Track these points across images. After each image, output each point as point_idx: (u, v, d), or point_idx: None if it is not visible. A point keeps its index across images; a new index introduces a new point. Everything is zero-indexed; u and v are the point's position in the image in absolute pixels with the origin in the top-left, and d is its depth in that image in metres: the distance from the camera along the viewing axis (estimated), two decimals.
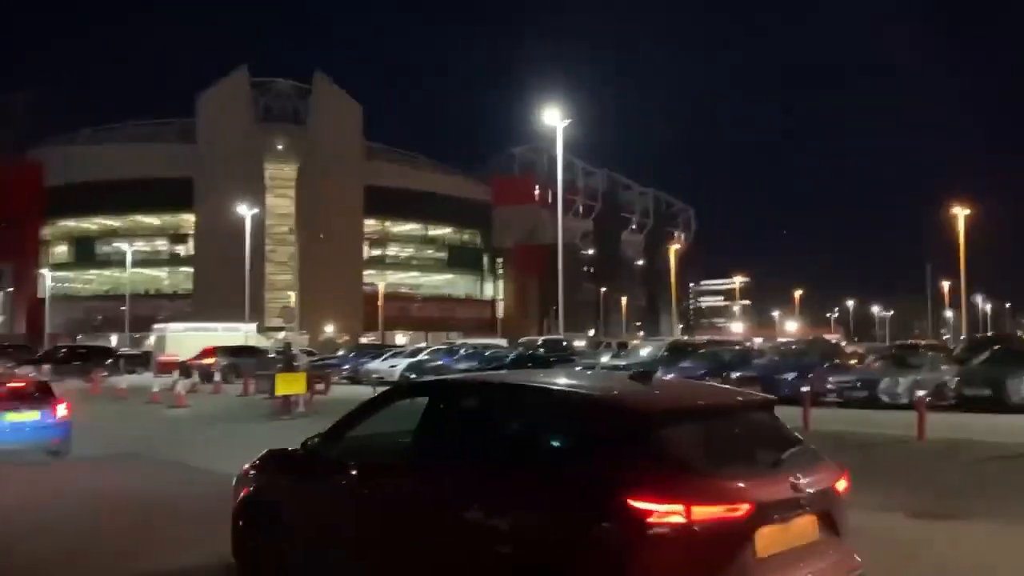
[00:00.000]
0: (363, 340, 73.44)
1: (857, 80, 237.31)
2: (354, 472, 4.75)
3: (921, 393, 11.94)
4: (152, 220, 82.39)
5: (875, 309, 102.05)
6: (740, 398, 4.67)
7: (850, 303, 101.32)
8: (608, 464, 3.72)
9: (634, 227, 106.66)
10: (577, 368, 21.01)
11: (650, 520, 3.45)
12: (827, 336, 67.31)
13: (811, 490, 3.87)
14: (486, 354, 25.46)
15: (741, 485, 3.67)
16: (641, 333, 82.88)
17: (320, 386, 19.45)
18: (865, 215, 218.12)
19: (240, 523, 5.42)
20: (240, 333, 48.44)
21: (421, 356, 28.07)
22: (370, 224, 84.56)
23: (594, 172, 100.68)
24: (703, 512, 3.50)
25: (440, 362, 26.04)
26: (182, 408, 19.88)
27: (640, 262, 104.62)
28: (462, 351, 27.29)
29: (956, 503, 7.93)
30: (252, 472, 5.62)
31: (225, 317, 53.76)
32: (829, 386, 16.60)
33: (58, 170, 79.07)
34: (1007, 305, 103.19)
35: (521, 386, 4.77)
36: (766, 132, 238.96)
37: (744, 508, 3.58)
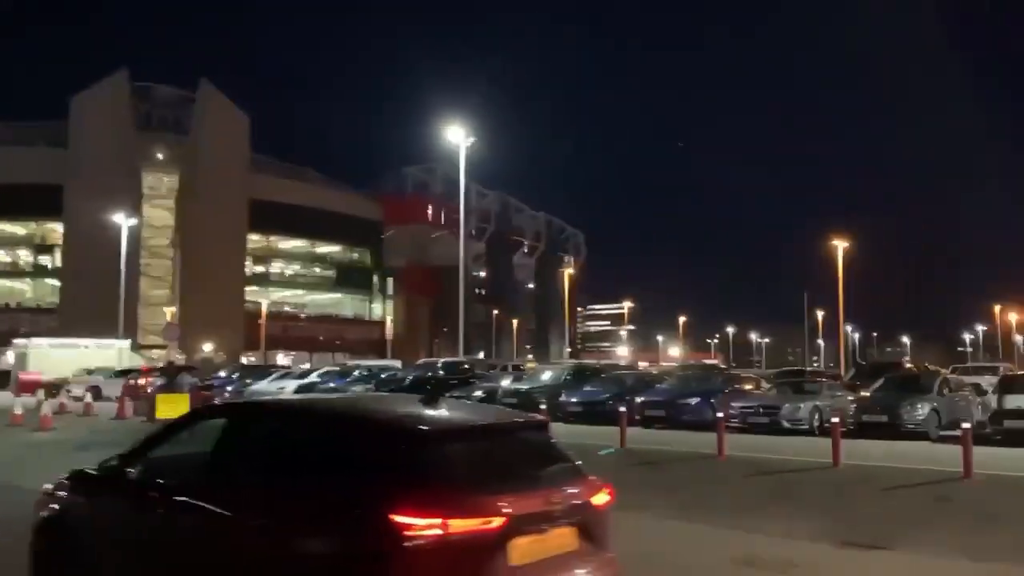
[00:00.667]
0: (243, 360, 70.60)
1: (743, 112, 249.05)
2: (152, 492, 4.86)
3: (835, 420, 12.08)
4: (15, 229, 76.66)
5: (753, 336, 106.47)
6: (517, 419, 4.92)
7: (730, 330, 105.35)
8: (377, 481, 3.98)
9: (525, 250, 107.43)
10: (392, 393, 20.58)
11: (409, 533, 3.74)
12: (707, 361, 69.64)
13: (568, 503, 4.24)
14: (382, 376, 24.52)
15: (497, 499, 3.98)
16: (530, 356, 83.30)
17: None
18: (748, 246, 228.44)
19: (37, 546, 5.42)
20: (113, 350, 45.55)
21: (312, 378, 26.81)
22: (254, 240, 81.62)
23: (487, 194, 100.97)
24: (459, 525, 3.82)
25: (332, 384, 24.92)
26: (47, 431, 18.16)
27: (531, 285, 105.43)
28: (355, 373, 26.22)
29: (880, 531, 8.01)
30: (52, 493, 5.60)
31: (94, 333, 50.37)
32: (731, 411, 16.74)
33: None
34: (874, 334, 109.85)
35: (304, 408, 5.30)
36: (658, 160, 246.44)
37: (498, 521, 3.90)
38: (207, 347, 69.66)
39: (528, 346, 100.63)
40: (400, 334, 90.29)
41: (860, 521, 8.51)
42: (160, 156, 77.00)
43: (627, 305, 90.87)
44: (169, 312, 70.75)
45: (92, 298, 66.96)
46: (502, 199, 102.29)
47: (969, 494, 9.99)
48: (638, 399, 18.44)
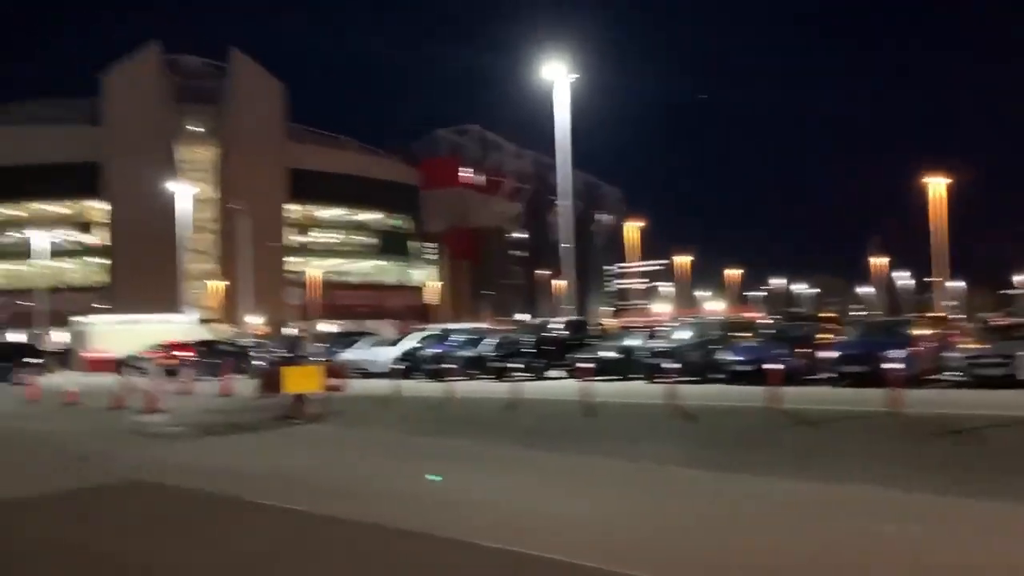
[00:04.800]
0: (285, 330, 70.21)
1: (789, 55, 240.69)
2: None
3: None
4: (56, 208, 76.27)
5: (795, 287, 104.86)
6: None
7: (777, 281, 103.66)
8: None
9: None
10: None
11: None
12: (747, 315, 68.02)
13: None
14: (502, 339, 23.26)
15: None
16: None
17: (337, 381, 17.11)
18: (790, 192, 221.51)
19: None
20: (177, 325, 45.21)
21: (411, 344, 25.93)
22: (294, 209, 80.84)
23: (523, 154, 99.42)
24: None
25: (436, 350, 24.03)
26: (158, 414, 16.88)
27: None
28: (458, 337, 25.27)
29: None
30: None
31: (143, 309, 50.04)
32: (952, 363, 15.34)
33: None
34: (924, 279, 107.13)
35: None
36: (694, 111, 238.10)
37: None
38: (251, 319, 69.29)
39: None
40: (442, 299, 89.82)
41: None
42: (195, 128, 76.11)
43: (679, 260, 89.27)
44: (214, 285, 70.73)
45: (139, 274, 66.76)
46: (537, 158, 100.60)
47: None
48: (828, 353, 16.68)
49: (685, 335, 19.38)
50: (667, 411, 13.11)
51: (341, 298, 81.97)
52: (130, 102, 71.09)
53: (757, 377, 15.30)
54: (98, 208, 74.70)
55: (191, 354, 29.97)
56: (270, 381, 17.00)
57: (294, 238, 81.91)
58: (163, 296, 60.11)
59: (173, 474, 9.70)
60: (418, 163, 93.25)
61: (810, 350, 16.75)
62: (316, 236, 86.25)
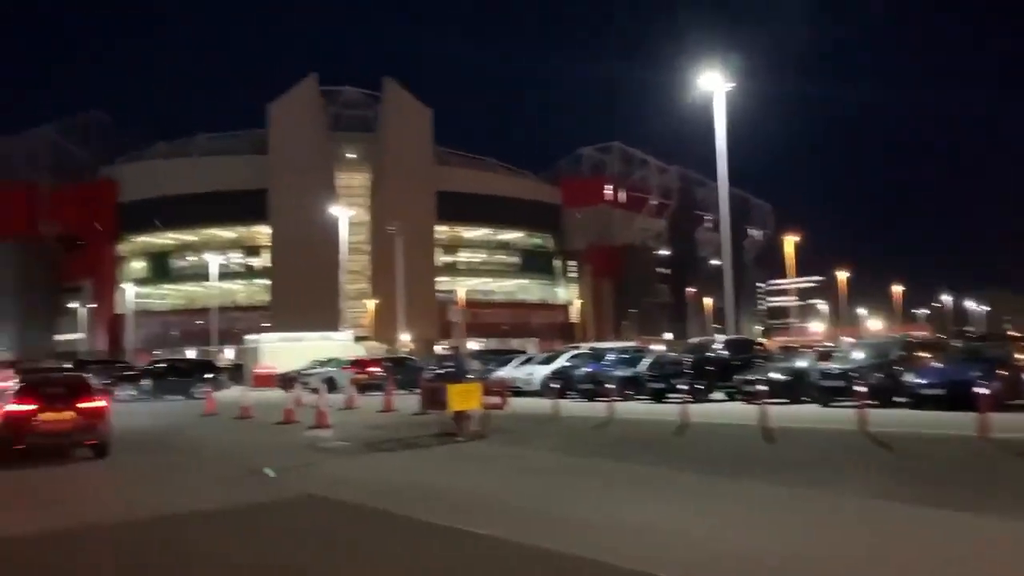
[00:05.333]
0: (438, 348, 71.87)
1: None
2: None
3: None
4: (226, 233, 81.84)
5: (969, 304, 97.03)
6: None
7: (945, 298, 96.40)
8: None
9: (709, 225, 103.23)
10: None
11: None
12: (916, 333, 63.17)
13: None
14: (657, 359, 22.61)
15: None
16: (720, 335, 79.56)
17: (495, 399, 17.04)
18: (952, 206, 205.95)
19: None
20: (333, 343, 47.05)
21: (562, 363, 25.73)
22: (440, 230, 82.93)
23: (667, 169, 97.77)
24: None
25: (588, 369, 23.63)
26: (325, 430, 17.37)
27: (715, 261, 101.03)
28: (610, 356, 24.80)
29: None
30: None
31: (302, 327, 52.31)
32: None
33: (132, 186, 79.21)
34: None
35: None
36: (849, 121, 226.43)
37: None
38: (404, 337, 71.36)
39: (716, 325, 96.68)
40: (585, 317, 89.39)
41: None
42: (351, 155, 79.79)
43: (839, 274, 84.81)
44: (368, 304, 73.47)
45: (298, 295, 70.35)
46: (682, 173, 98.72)
47: None
48: None
49: (862, 356, 17.99)
50: (856, 438, 12.13)
51: (485, 316, 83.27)
52: (292, 131, 75.42)
53: (947, 402, 13.90)
54: (263, 232, 79.43)
55: (378, 370, 31.40)
56: (434, 398, 17.10)
57: (442, 258, 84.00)
58: (320, 315, 63.08)
59: (343, 489, 9.80)
60: (560, 182, 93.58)
61: (1012, 372, 15.06)
62: (462, 256, 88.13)
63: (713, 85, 28.68)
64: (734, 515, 7.81)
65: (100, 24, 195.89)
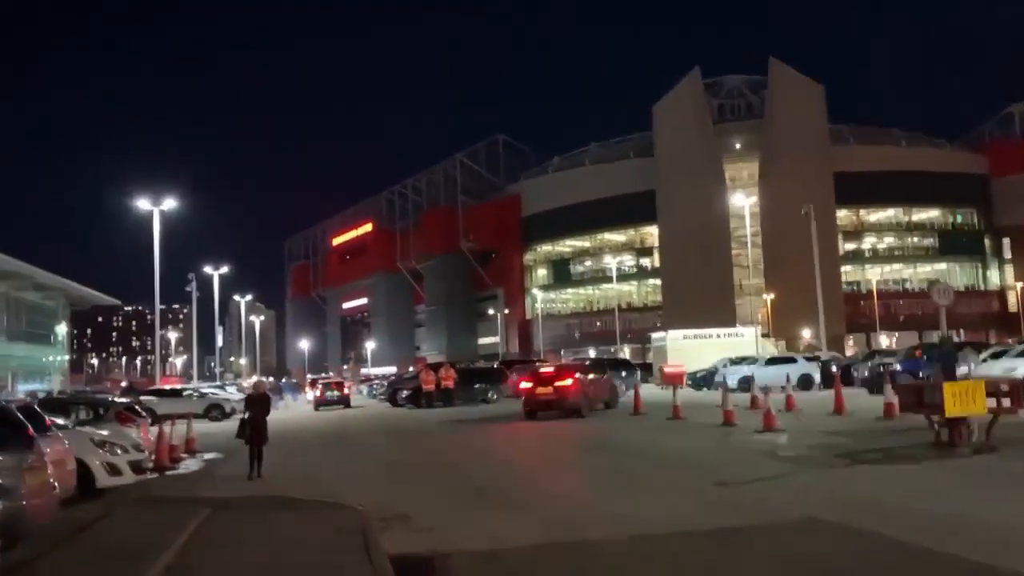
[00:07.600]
0: (848, 343, 65.85)
1: None
2: None
3: None
4: (617, 236, 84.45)
5: None
6: None
7: None
8: None
9: None
10: None
11: None
12: None
13: None
14: None
15: None
16: None
17: (1005, 402, 13.73)
18: None
19: None
20: (738, 339, 45.29)
21: None
22: (840, 215, 76.12)
23: None
24: None
25: None
26: (776, 434, 15.73)
27: None
28: None
29: None
30: None
31: (692, 325, 50.87)
32: None
33: (533, 200, 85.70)
34: None
35: None
36: None
37: None
38: (805, 333, 66.61)
39: None
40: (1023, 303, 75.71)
41: None
42: (738, 145, 77.18)
43: None
44: (767, 298, 70.05)
45: (690, 292, 69.50)
46: None
47: None
48: None
49: None
50: None
51: (899, 308, 74.75)
52: (677, 129, 75.11)
53: None
54: (652, 233, 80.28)
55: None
56: (919, 399, 14.18)
57: (845, 245, 77.19)
58: (712, 312, 61.32)
59: (850, 512, 8.01)
60: (986, 147, 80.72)
61: None
62: (867, 242, 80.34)
63: None
64: None
65: (505, 58, 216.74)
